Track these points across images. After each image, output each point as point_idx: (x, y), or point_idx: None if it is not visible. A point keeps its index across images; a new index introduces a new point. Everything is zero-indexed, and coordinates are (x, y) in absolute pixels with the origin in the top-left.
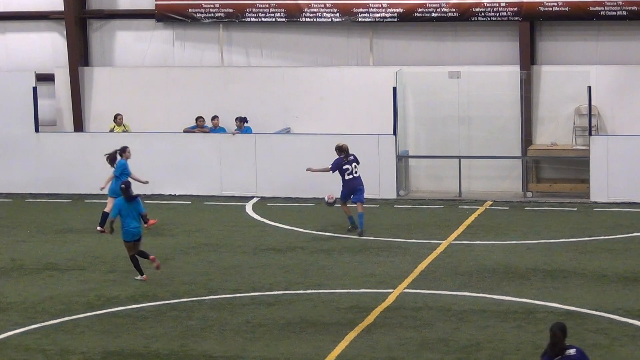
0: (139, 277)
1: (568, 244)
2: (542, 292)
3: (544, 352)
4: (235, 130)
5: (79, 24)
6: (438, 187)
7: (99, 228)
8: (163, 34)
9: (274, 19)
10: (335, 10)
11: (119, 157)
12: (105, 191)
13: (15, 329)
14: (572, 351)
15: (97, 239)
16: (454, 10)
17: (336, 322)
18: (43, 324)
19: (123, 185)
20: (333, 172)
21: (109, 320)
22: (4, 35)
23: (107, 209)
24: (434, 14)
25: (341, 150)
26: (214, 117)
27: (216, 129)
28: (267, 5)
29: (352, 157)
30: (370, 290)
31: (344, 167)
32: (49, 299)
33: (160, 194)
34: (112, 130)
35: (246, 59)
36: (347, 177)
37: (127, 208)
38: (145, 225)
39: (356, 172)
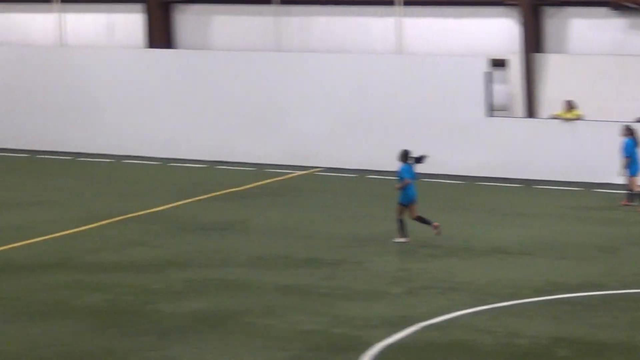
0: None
1: None
2: None
3: None
4: None
5: (534, 11)
6: None
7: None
8: (617, 22)
9: None
10: None
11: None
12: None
13: (464, 309)
14: None
15: (549, 226)
16: None
17: None
18: (491, 305)
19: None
20: None
21: (556, 306)
22: (460, 20)
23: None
24: None
25: None
26: None
27: None
28: None
29: None
30: None
31: None
32: (498, 281)
33: (608, 183)
34: (557, 117)
35: None
36: None
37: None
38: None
39: None
